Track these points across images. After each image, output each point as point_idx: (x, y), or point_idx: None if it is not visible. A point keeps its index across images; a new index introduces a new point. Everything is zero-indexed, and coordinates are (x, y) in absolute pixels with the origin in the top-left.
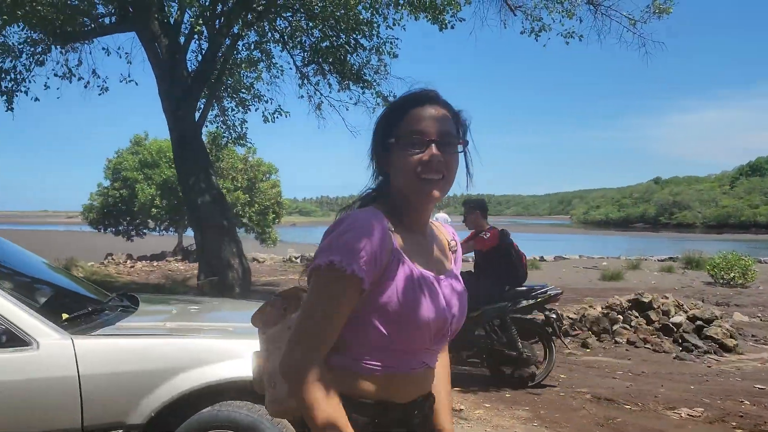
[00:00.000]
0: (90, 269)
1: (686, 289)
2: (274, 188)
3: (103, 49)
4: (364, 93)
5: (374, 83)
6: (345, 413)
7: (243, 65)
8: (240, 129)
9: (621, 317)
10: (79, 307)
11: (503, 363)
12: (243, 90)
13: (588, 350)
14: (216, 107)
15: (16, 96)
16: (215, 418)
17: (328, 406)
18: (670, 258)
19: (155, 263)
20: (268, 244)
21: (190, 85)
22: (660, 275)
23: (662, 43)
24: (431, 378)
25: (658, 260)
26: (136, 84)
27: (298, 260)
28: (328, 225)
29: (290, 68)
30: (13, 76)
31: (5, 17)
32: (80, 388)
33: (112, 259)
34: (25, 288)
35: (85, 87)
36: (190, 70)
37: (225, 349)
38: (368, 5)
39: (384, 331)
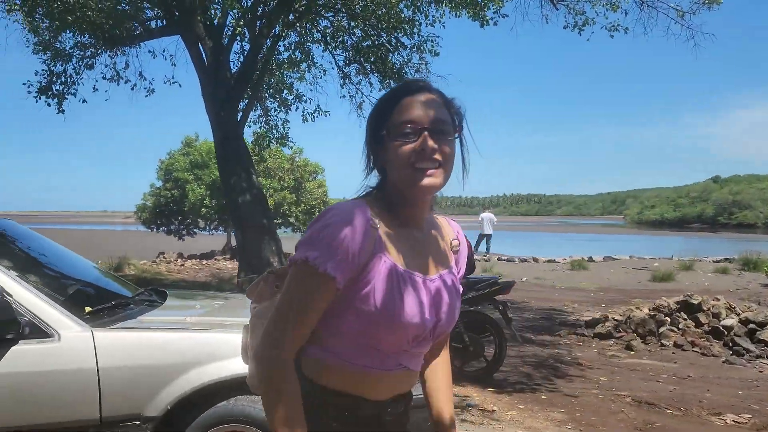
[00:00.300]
0: (141, 267)
1: (741, 292)
2: (320, 188)
3: (150, 51)
4: None
5: None
6: (302, 412)
7: (285, 66)
8: (282, 129)
9: (668, 319)
10: (104, 300)
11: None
12: (285, 90)
13: (632, 353)
14: (259, 108)
15: (67, 99)
16: (230, 412)
17: (284, 406)
18: (726, 259)
19: (204, 262)
20: None
21: (233, 87)
22: (714, 277)
23: (712, 35)
24: (410, 379)
25: (713, 261)
26: (180, 86)
27: None
28: None
29: (332, 68)
30: (63, 79)
31: (57, 23)
32: (99, 379)
33: (164, 257)
34: (53, 281)
35: (132, 89)
36: (232, 71)
37: None
38: (410, 3)
39: (358, 329)
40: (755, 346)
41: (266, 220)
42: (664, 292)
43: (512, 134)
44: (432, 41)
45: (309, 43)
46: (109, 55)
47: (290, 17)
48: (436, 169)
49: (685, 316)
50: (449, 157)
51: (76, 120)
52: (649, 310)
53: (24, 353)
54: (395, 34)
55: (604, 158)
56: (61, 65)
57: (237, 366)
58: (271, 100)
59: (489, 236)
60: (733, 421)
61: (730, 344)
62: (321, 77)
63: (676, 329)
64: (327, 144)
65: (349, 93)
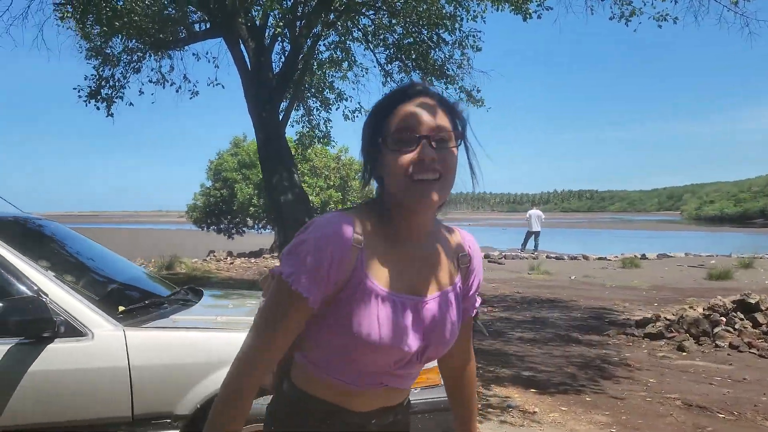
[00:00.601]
0: (192, 266)
1: None
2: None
3: (194, 54)
4: (447, 88)
5: (457, 78)
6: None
7: (326, 65)
8: (325, 128)
9: (724, 319)
10: (139, 299)
11: None
12: (326, 89)
13: (684, 354)
14: (301, 108)
15: (115, 102)
16: (259, 411)
17: (223, 412)
18: None
19: (252, 260)
20: None
21: (274, 87)
22: None
23: None
24: (397, 395)
25: None
26: (223, 87)
27: None
28: None
29: (374, 66)
30: (111, 83)
31: (106, 28)
32: (131, 378)
33: (214, 256)
34: (89, 281)
35: (177, 91)
36: (274, 72)
37: None
38: None
39: (335, 347)
40: None
41: (308, 218)
42: (721, 291)
43: (562, 130)
44: (474, 36)
45: (349, 41)
46: (155, 59)
47: (330, 16)
48: (436, 181)
49: (742, 316)
50: (450, 167)
51: (136, 123)
52: (704, 309)
53: (59, 351)
54: (436, 31)
55: (660, 152)
56: (109, 70)
57: None
58: (313, 99)
59: (537, 233)
60: None
61: None
62: (363, 75)
63: (732, 330)
64: None
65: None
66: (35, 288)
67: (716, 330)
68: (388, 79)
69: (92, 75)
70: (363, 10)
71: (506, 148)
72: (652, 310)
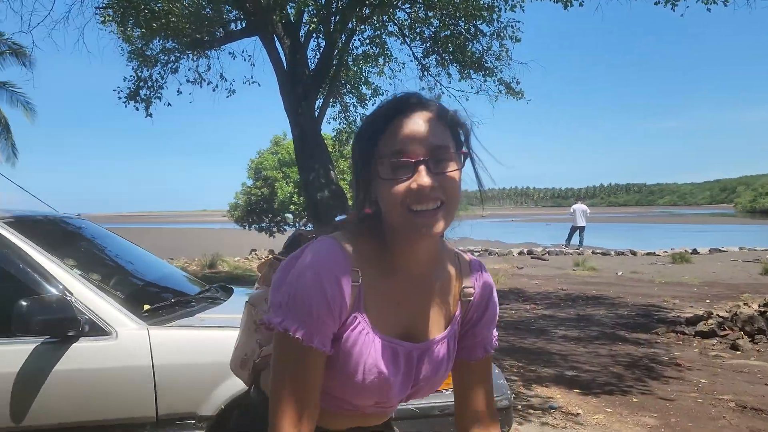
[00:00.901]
0: (234, 264)
1: None
2: None
3: (230, 53)
4: (485, 81)
5: (496, 70)
6: None
7: (361, 60)
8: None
9: None
10: (165, 298)
11: None
12: (362, 85)
13: (738, 353)
14: (338, 104)
15: (153, 103)
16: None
17: None
18: None
19: None
20: None
21: (310, 84)
22: None
23: None
24: (377, 419)
25: None
26: (259, 85)
27: None
28: (465, 219)
29: (411, 60)
30: (149, 84)
31: (144, 30)
32: (154, 377)
33: (256, 254)
34: (116, 279)
35: (214, 90)
36: (309, 68)
37: None
38: None
39: (326, 386)
40: None
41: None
42: None
43: (609, 121)
44: (512, 27)
45: (385, 36)
46: (191, 59)
47: (365, 11)
48: (437, 210)
49: None
50: (453, 192)
51: (184, 124)
52: (759, 306)
53: (83, 350)
54: (474, 22)
55: (712, 143)
56: (147, 71)
57: None
58: (350, 96)
59: (582, 228)
60: None
61: None
62: (400, 70)
63: None
64: None
65: (428, 85)
66: (61, 287)
67: None
68: (425, 73)
69: (131, 76)
70: (398, 4)
71: (549, 142)
72: (704, 306)
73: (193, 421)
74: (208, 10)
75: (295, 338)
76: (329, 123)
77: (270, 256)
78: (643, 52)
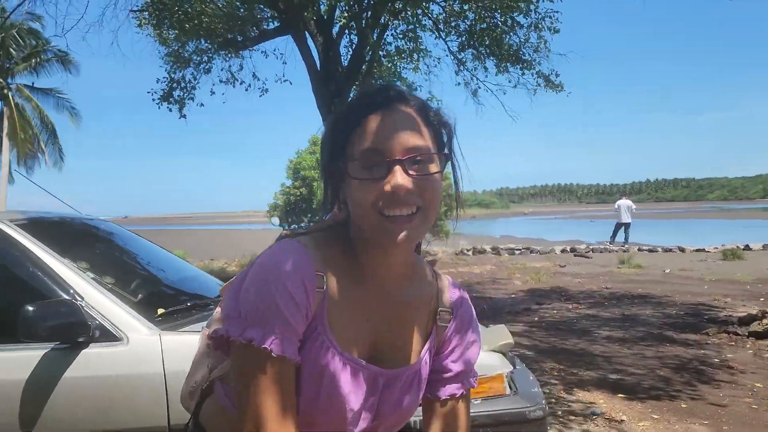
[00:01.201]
0: None
1: None
2: (445, 181)
3: (262, 52)
4: (523, 74)
5: (534, 62)
6: None
7: (395, 56)
8: None
9: None
10: (182, 301)
11: None
12: (397, 80)
13: None
14: None
15: (186, 104)
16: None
17: None
18: None
19: None
20: (441, 237)
21: (343, 81)
22: None
23: None
24: None
25: None
26: (291, 83)
27: (470, 253)
28: (508, 216)
29: (446, 55)
30: (183, 85)
31: (177, 31)
32: (166, 384)
33: None
34: (132, 283)
35: (246, 90)
36: (342, 65)
37: None
38: None
39: None
40: None
41: None
42: None
43: (654, 115)
44: (551, 17)
45: (420, 30)
46: (224, 59)
47: (397, 5)
48: (412, 216)
49: None
50: (431, 197)
51: (227, 126)
52: None
53: (93, 357)
54: (511, 14)
55: (765, 135)
56: (180, 72)
57: None
58: None
59: (627, 225)
60: None
61: None
62: (435, 66)
63: None
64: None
65: (464, 80)
66: (71, 291)
67: None
68: (461, 67)
69: (164, 78)
70: None
71: (592, 136)
72: (758, 305)
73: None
74: (241, 10)
75: (262, 349)
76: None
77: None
78: (690, 40)
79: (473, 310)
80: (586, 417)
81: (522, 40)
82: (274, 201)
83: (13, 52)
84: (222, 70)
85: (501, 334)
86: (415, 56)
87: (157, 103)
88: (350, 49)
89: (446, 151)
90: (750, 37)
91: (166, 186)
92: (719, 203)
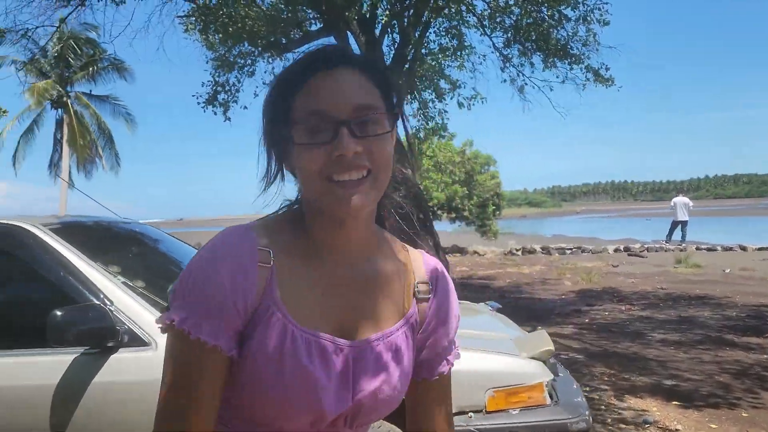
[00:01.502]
0: None
1: None
2: (492, 179)
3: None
4: (571, 69)
5: (583, 57)
6: None
7: (438, 54)
8: (441, 120)
9: None
10: None
11: None
12: (441, 79)
13: None
14: (416, 100)
15: (231, 107)
16: None
17: None
18: None
19: None
20: (489, 237)
21: None
22: None
23: None
24: None
25: None
26: None
27: (519, 253)
28: (559, 215)
29: (492, 52)
30: (227, 88)
31: (221, 35)
32: None
33: None
34: (162, 287)
35: None
36: (385, 64)
37: None
38: None
39: (242, 403)
40: None
41: (422, 215)
42: None
43: (712, 109)
44: (600, 10)
45: (464, 27)
46: (267, 62)
47: (440, 2)
48: (362, 180)
49: None
50: (382, 159)
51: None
52: None
53: (122, 362)
54: (557, 7)
55: None
56: (224, 75)
57: None
58: (428, 91)
59: (684, 223)
60: None
61: None
62: (480, 63)
63: None
64: (497, 134)
65: (509, 76)
66: (101, 295)
67: None
68: (507, 64)
69: (208, 81)
70: None
71: (646, 132)
72: None
73: None
74: (285, 12)
75: (179, 329)
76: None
77: None
78: (750, 30)
79: (450, 280)
80: (638, 425)
81: (570, 33)
82: None
83: (72, 61)
84: (265, 72)
85: (541, 340)
86: (460, 53)
87: (202, 107)
88: (392, 49)
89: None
90: None
91: (222, 187)
92: None
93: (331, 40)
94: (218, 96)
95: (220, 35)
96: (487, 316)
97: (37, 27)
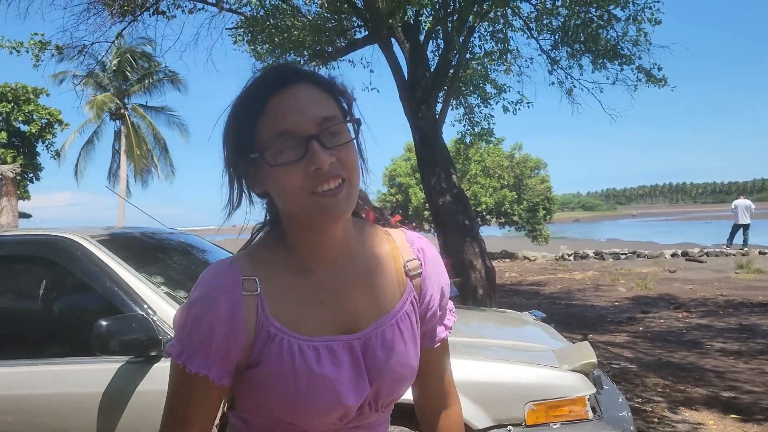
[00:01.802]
0: None
1: None
2: (543, 183)
3: (349, 62)
4: (622, 70)
5: (634, 57)
6: None
7: (485, 58)
8: (488, 125)
9: None
10: None
11: None
12: (487, 83)
13: None
14: (462, 106)
15: None
16: None
17: None
18: None
19: None
20: (539, 242)
21: (430, 86)
22: None
23: None
24: None
25: None
26: (378, 92)
27: (571, 258)
28: (613, 219)
29: (539, 54)
30: None
31: (268, 45)
32: None
33: None
34: None
35: None
36: (429, 70)
37: None
38: None
39: (269, 413)
40: None
41: (468, 221)
42: None
43: None
44: (650, 8)
45: (510, 31)
46: (312, 70)
47: (484, 6)
48: (341, 186)
49: None
50: (352, 165)
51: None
52: None
53: (165, 371)
54: (607, 8)
55: None
56: None
57: None
58: (474, 96)
59: (746, 226)
60: None
61: None
62: (527, 66)
63: None
64: (548, 137)
65: (557, 79)
66: (145, 306)
67: None
68: (555, 66)
69: None
70: None
71: (705, 132)
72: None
73: None
74: (330, 22)
75: (176, 363)
76: (453, 126)
77: None
78: None
79: (434, 248)
80: None
81: (620, 34)
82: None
83: (129, 74)
84: None
85: (583, 352)
86: (506, 57)
87: None
88: (437, 54)
89: (352, 118)
90: None
91: None
92: None
93: (375, 47)
94: None
95: (267, 45)
96: (530, 327)
97: (93, 43)
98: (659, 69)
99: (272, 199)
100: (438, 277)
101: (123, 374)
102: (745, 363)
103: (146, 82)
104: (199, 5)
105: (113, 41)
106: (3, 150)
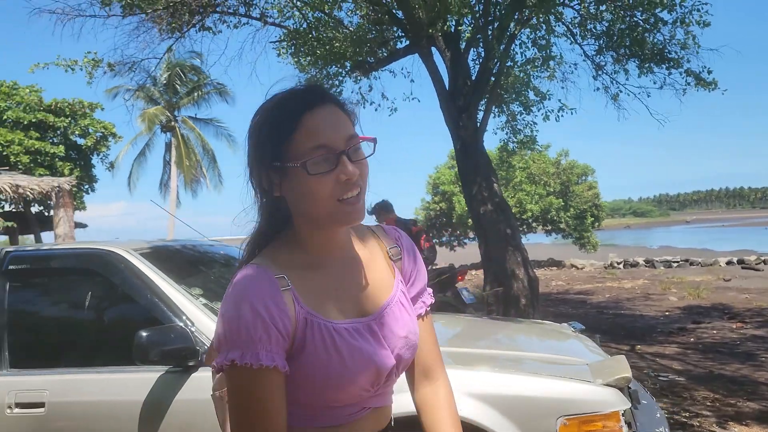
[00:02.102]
0: None
1: None
2: (590, 190)
3: (390, 72)
4: (670, 74)
5: (682, 60)
6: None
7: (528, 65)
8: (531, 132)
9: None
10: None
11: None
12: (529, 90)
13: None
14: (504, 114)
15: None
16: None
17: None
18: None
19: (473, 272)
20: (587, 250)
21: (470, 94)
22: None
23: None
24: (383, 415)
25: None
26: (419, 101)
27: (620, 266)
28: (666, 225)
29: (583, 60)
30: None
31: (310, 57)
32: None
33: (435, 267)
34: None
35: (376, 110)
36: (471, 78)
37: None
38: None
39: (310, 393)
40: None
41: (509, 230)
42: None
43: None
44: (698, 11)
45: (553, 36)
46: (354, 81)
47: (525, 13)
48: (359, 195)
49: None
50: (366, 177)
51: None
52: None
53: (203, 381)
54: (653, 11)
55: None
56: None
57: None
58: (515, 104)
59: None
60: None
61: None
62: (571, 72)
63: None
64: (596, 142)
65: (602, 85)
66: (184, 317)
67: None
68: (600, 72)
69: None
70: (564, 1)
71: (764, 134)
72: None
73: None
74: (371, 33)
75: (240, 366)
76: (495, 133)
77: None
78: None
79: (404, 233)
80: None
81: (667, 37)
82: (414, 217)
83: (178, 87)
84: (352, 92)
85: (618, 366)
86: (549, 64)
87: None
88: (477, 63)
89: (366, 136)
90: None
91: None
92: None
93: (416, 57)
94: None
95: (310, 57)
96: (567, 339)
97: (142, 59)
98: (709, 72)
99: (279, 203)
100: (414, 258)
101: (162, 383)
102: None
103: (195, 94)
104: (244, 20)
105: (162, 56)
106: (61, 163)
